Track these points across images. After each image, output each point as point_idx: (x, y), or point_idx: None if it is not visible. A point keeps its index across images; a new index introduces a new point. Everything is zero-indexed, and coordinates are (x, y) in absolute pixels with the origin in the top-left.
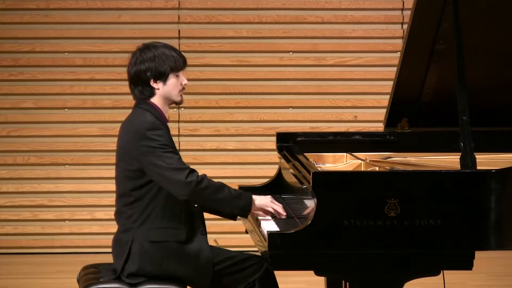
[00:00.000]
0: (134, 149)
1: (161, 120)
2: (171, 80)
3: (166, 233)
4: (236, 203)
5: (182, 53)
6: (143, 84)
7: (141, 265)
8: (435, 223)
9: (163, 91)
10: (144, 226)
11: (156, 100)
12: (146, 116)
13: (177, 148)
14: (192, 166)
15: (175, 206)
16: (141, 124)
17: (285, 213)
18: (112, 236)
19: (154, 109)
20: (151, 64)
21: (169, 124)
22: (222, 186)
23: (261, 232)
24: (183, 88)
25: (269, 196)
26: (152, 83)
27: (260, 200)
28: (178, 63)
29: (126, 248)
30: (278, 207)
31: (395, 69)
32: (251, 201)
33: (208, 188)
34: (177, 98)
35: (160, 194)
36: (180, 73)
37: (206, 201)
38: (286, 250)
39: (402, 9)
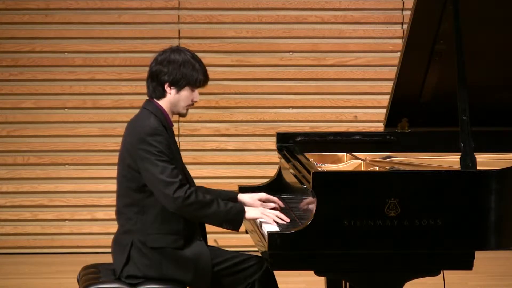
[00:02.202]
0: (134, 150)
1: (166, 124)
2: (185, 92)
3: (164, 239)
4: (224, 218)
5: (207, 72)
6: (158, 84)
7: (141, 269)
8: (435, 223)
9: (173, 98)
10: (143, 230)
11: (164, 103)
12: (150, 119)
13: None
14: (192, 166)
15: (173, 212)
16: (143, 127)
17: (286, 218)
18: (112, 236)
19: (161, 112)
20: (173, 69)
21: None
22: (211, 201)
23: (261, 232)
24: (192, 104)
25: (261, 208)
26: (166, 86)
27: (251, 213)
28: (198, 81)
29: (125, 251)
30: (272, 215)
31: (395, 69)
32: (241, 216)
33: (195, 204)
34: (183, 110)
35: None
36: (196, 90)
37: (192, 216)
38: (286, 250)
39: (402, 9)
